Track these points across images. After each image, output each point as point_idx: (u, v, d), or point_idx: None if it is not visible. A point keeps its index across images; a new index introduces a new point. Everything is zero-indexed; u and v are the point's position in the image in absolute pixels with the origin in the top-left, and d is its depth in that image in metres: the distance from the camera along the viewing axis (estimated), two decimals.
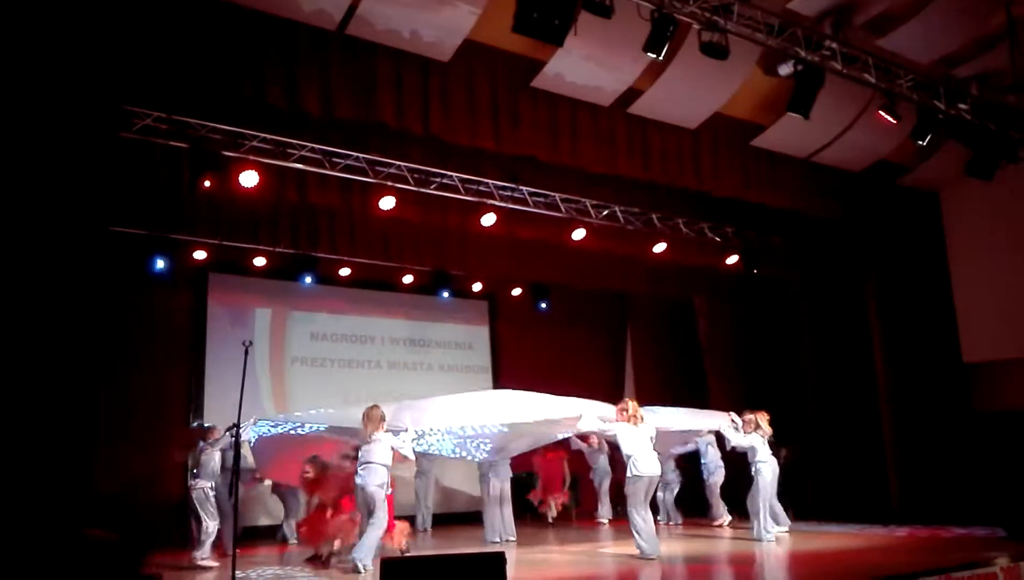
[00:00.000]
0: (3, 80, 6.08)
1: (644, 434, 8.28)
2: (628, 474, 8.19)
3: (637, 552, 8.04)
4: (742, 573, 7.45)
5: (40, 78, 6.30)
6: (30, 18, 6.18)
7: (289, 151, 9.01)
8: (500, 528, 9.94)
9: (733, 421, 9.78)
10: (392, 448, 7.76)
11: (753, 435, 9.55)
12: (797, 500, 11.42)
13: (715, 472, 11.16)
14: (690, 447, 11.38)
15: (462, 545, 9.45)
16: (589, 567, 7.99)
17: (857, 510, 11.07)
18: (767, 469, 9.41)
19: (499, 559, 4.89)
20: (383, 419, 7.81)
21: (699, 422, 10.36)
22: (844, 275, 12.25)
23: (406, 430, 8.01)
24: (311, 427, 8.68)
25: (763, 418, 9.71)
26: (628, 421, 8.30)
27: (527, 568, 7.74)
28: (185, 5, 6.76)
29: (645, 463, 8.11)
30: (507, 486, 10.10)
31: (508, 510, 10.12)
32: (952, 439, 10.93)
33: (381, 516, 7.66)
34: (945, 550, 7.84)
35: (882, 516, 10.74)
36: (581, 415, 8.55)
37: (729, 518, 11.15)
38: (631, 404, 8.43)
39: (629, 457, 8.15)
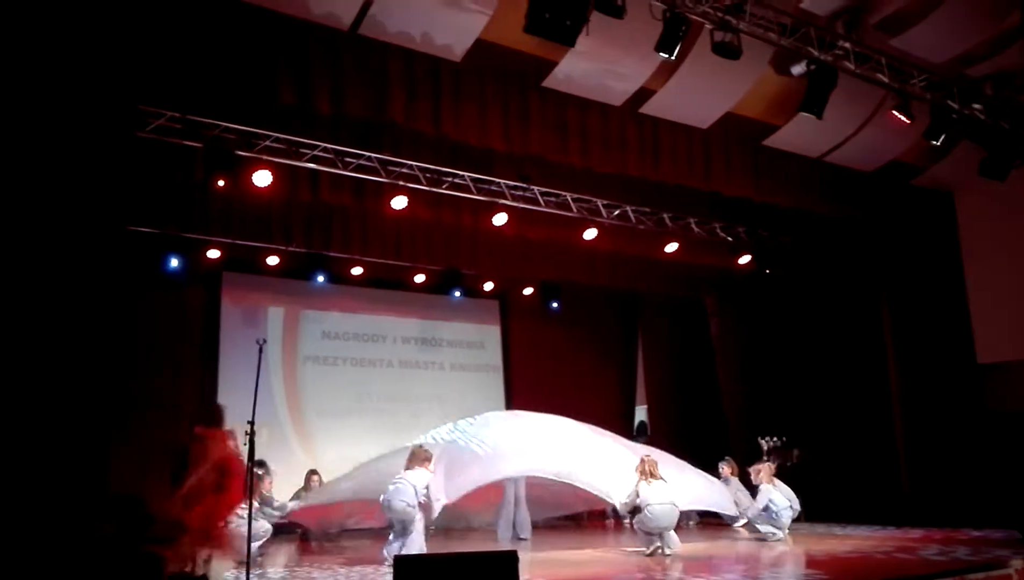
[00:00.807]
0: (20, 80, 6.14)
1: (660, 487, 8.32)
2: (640, 517, 8.26)
3: (646, 550, 8.18)
4: (754, 573, 7.42)
5: (56, 78, 6.35)
6: (46, 18, 6.24)
7: (302, 151, 9.06)
8: (514, 528, 9.96)
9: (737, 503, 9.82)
10: (427, 488, 7.75)
11: (764, 487, 9.45)
12: (809, 501, 11.37)
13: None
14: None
15: (476, 544, 9.46)
16: (601, 566, 7.99)
17: (870, 511, 11.02)
18: (787, 514, 9.37)
19: (511, 558, 4.92)
20: (427, 460, 7.92)
21: (707, 498, 9.81)
22: (857, 275, 12.19)
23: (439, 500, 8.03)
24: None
25: (767, 469, 9.67)
26: (643, 478, 8.34)
27: (540, 567, 7.74)
28: (198, 5, 6.81)
29: (658, 515, 8.16)
30: (522, 486, 10.11)
31: (523, 510, 10.14)
32: (966, 440, 10.86)
33: (415, 536, 7.63)
34: (957, 551, 7.80)
35: (895, 517, 10.68)
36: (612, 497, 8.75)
37: (746, 519, 11.06)
38: (646, 463, 8.47)
39: (646, 504, 8.20)
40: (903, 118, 8.53)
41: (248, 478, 6.31)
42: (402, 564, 4.85)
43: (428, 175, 9.78)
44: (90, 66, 6.50)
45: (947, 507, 10.46)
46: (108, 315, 9.38)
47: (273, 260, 11.44)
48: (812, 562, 7.84)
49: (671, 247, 11.90)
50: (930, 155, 10.39)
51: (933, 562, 7.16)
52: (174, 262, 10.41)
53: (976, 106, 8.91)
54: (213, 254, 10.99)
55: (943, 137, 8.86)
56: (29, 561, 5.29)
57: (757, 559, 8.19)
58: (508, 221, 10.45)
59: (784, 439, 10.41)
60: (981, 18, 8.12)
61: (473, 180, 10.02)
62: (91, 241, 7.78)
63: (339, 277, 12.26)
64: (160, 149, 8.39)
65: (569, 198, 10.73)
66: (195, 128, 8.42)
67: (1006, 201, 10.52)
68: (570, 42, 6.82)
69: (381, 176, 9.53)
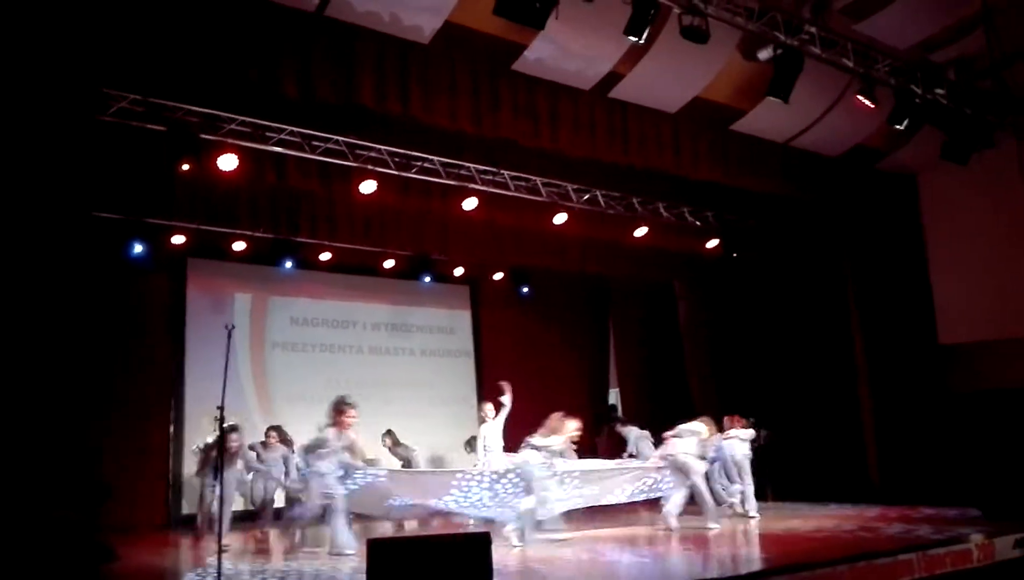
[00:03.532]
0: None
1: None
2: None
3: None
4: (718, 552, 7.54)
5: (14, 59, 6.20)
6: None
7: (268, 134, 8.95)
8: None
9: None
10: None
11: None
12: (776, 481, 11.57)
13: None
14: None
15: (451, 527, 9.47)
16: (570, 549, 8.05)
17: (836, 490, 11.23)
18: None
19: (484, 539, 4.95)
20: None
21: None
22: (822, 258, 12.37)
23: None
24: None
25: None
26: None
27: (516, 549, 7.79)
28: None
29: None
30: None
31: None
32: (929, 420, 11.08)
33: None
34: (919, 528, 7.98)
35: (860, 496, 10.91)
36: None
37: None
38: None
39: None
40: (868, 103, 8.61)
41: (219, 456, 6.26)
42: (377, 547, 4.85)
43: (397, 159, 9.72)
44: (50, 48, 6.36)
45: (911, 486, 10.69)
46: (72, 303, 9.23)
47: (240, 246, 11.31)
48: (775, 540, 7.98)
49: (640, 231, 11.95)
50: (894, 140, 10.53)
51: (896, 538, 7.34)
52: (138, 248, 10.21)
53: (939, 91, 9.02)
54: (178, 240, 10.82)
55: (906, 122, 8.96)
56: None
57: (721, 539, 8.29)
58: (478, 206, 10.42)
59: (752, 420, 10.56)
60: (944, 4, 8.24)
61: (443, 164, 9.98)
62: (53, 228, 7.63)
63: (307, 263, 12.15)
64: (122, 133, 8.24)
65: (539, 183, 10.73)
66: (158, 111, 8.27)
67: (967, 185, 10.70)
68: (539, 25, 6.81)
69: (349, 160, 9.45)
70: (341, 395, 8.16)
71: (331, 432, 7.90)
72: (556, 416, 8.66)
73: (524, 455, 8.40)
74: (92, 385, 10.35)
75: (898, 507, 9.98)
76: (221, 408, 5.99)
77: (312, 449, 7.88)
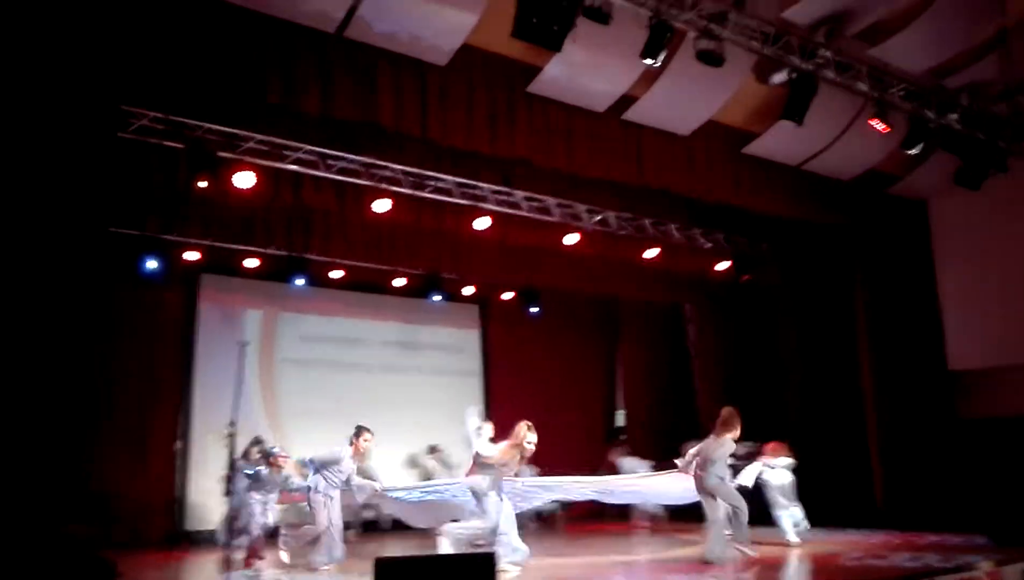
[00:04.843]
0: (2, 79, 6.07)
1: None
2: None
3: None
4: (721, 577, 7.48)
5: (38, 77, 6.29)
6: (28, 17, 6.17)
7: (285, 152, 9.01)
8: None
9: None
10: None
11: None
12: None
13: None
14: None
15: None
16: (573, 568, 8.01)
17: (842, 516, 11.13)
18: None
19: (489, 559, 4.94)
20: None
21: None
22: (833, 282, 12.34)
23: None
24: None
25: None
26: None
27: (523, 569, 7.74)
28: (184, 5, 6.76)
29: None
30: None
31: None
32: (937, 446, 11.02)
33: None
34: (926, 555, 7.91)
35: (867, 522, 10.81)
36: None
37: None
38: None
39: None
40: (881, 127, 8.64)
41: (230, 474, 6.26)
42: (384, 566, 4.84)
43: (411, 178, 9.77)
44: (73, 66, 6.45)
45: (918, 512, 10.59)
46: (86, 316, 9.30)
47: (252, 262, 11.37)
48: (781, 566, 7.91)
49: (651, 253, 11.97)
50: (905, 164, 10.54)
51: (904, 566, 7.27)
52: (152, 263, 10.22)
53: (952, 116, 9.05)
54: (192, 256, 10.86)
55: (920, 147, 8.99)
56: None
57: (724, 565, 8.21)
58: (490, 225, 10.45)
59: (758, 445, 10.49)
60: (958, 30, 8.27)
61: (456, 184, 10.03)
62: (71, 242, 7.71)
63: (318, 280, 12.15)
64: (142, 150, 8.31)
65: (551, 203, 10.77)
66: (178, 129, 8.35)
67: (978, 210, 10.70)
68: (557, 47, 6.87)
69: (364, 179, 9.51)
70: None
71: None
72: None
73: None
74: (101, 397, 10.43)
75: (903, 533, 9.88)
76: (233, 423, 6.00)
77: None
